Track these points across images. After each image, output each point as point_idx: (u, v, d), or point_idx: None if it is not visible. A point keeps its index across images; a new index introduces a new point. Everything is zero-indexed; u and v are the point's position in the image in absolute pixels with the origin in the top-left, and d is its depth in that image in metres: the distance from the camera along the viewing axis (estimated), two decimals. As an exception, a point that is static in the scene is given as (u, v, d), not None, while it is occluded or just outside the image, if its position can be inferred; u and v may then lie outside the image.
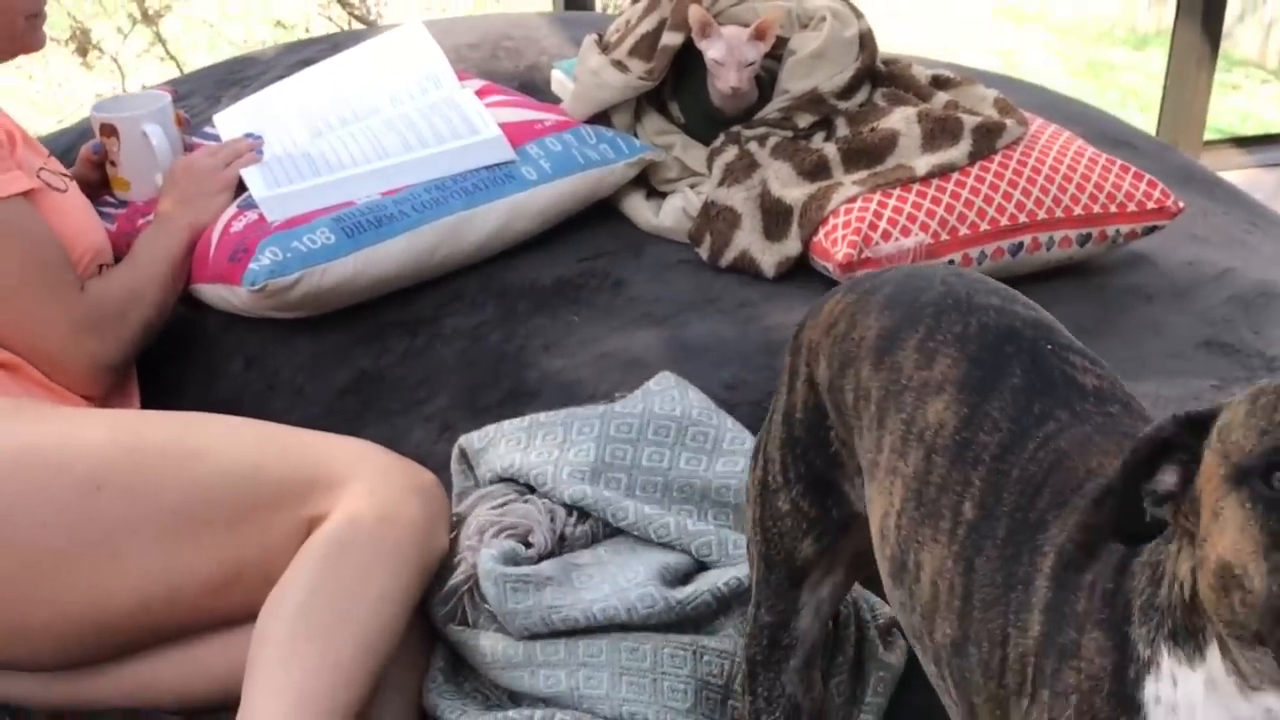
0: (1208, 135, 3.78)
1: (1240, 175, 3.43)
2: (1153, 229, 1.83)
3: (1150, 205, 1.81)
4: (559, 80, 2.22)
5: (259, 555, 1.39)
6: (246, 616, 1.37)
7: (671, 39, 1.88)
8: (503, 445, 1.56)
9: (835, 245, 1.71)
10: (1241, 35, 6.96)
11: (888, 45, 2.00)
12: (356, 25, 5.68)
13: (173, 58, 5.56)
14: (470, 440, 1.60)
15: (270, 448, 1.44)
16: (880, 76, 1.93)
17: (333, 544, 1.37)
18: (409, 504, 1.42)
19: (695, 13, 1.85)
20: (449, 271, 1.84)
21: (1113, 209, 1.80)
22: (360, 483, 1.41)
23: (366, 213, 1.77)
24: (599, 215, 1.96)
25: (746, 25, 1.87)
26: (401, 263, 1.77)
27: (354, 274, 1.74)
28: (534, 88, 2.29)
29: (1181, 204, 1.83)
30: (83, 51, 5.02)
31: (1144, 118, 6.38)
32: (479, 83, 2.08)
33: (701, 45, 1.86)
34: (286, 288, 1.71)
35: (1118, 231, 1.82)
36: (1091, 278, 1.86)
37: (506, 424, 1.59)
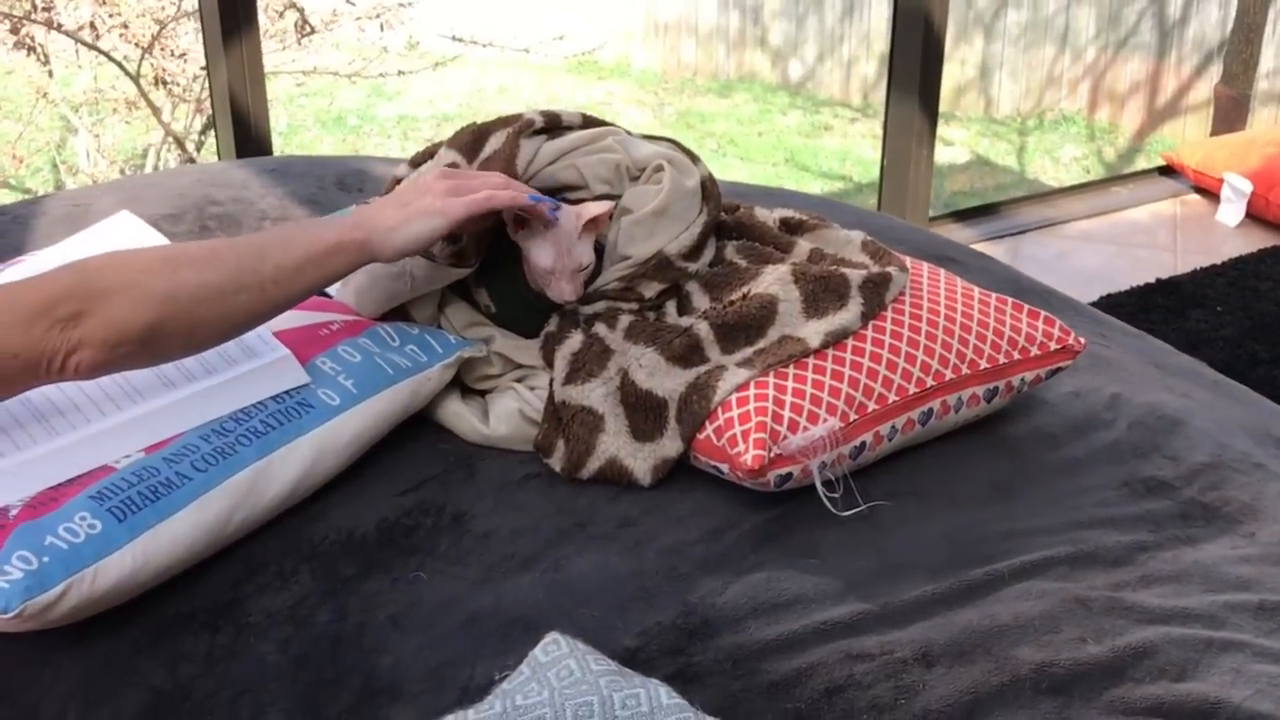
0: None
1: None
2: (1056, 371, 1.62)
3: (1053, 346, 1.60)
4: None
5: None
6: None
7: (483, 213, 1.55)
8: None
9: (738, 445, 1.41)
10: (823, 75, 7.20)
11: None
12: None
13: None
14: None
15: None
16: (725, 227, 1.65)
17: None
18: None
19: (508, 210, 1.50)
20: (241, 537, 1.45)
21: (1016, 355, 1.58)
22: None
23: (135, 482, 1.36)
24: (407, 430, 1.60)
25: (569, 188, 1.56)
26: (193, 542, 1.37)
27: (135, 569, 1.32)
28: (268, 266, 1.90)
29: (1082, 340, 1.63)
30: None
31: (744, 165, 6.45)
32: (220, 278, 1.68)
33: (518, 239, 1.53)
34: (50, 604, 1.27)
35: (1023, 380, 1.60)
36: (994, 429, 1.63)
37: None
